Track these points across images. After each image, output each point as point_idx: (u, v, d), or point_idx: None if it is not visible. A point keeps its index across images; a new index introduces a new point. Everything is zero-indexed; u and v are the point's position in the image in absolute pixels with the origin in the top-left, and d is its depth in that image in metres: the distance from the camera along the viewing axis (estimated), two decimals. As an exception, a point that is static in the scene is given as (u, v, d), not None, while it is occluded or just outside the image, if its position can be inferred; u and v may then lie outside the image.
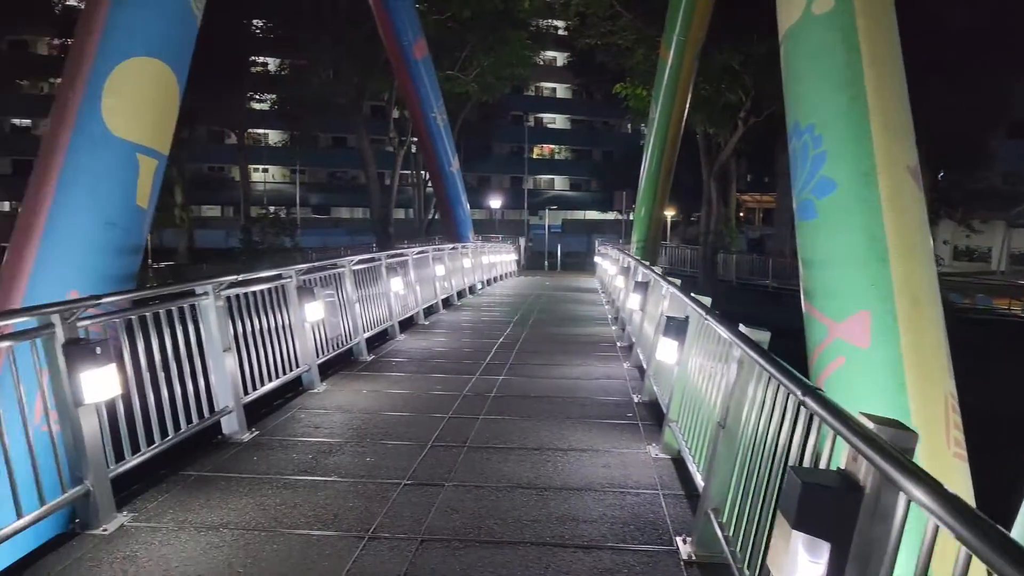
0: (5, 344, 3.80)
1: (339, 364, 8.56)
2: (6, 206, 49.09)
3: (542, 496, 4.55)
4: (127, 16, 6.13)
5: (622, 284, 13.16)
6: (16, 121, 55.02)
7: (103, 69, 5.99)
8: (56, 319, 3.92)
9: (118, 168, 6.15)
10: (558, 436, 5.89)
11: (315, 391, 7.34)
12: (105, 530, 3.92)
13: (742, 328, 3.65)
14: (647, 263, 10.25)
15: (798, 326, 6.53)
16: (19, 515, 3.55)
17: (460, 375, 8.28)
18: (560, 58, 63.70)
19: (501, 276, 24.95)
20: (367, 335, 9.55)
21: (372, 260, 10.51)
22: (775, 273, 28.28)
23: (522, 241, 36.89)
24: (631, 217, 26.85)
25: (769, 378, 3.11)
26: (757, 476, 3.09)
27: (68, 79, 6.09)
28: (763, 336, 3.50)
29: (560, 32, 50.41)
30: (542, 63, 54.04)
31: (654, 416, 6.48)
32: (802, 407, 2.65)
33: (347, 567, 3.56)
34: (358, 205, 59.79)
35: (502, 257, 26.25)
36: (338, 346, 8.52)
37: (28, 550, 3.73)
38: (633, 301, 9.20)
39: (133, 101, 6.20)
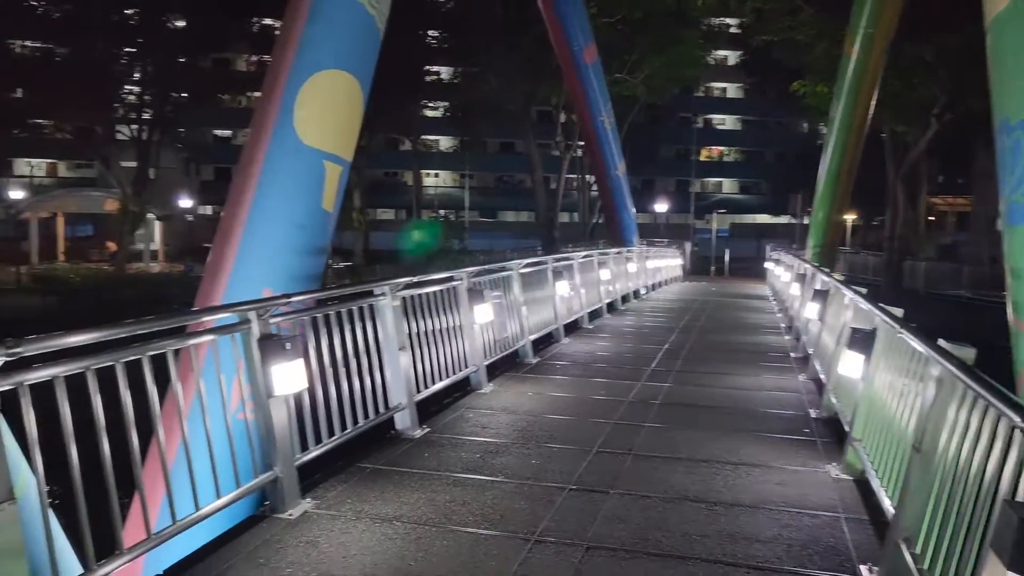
0: (209, 337, 4.15)
1: (505, 366, 8.69)
2: (208, 210, 53.88)
3: (712, 511, 4.38)
4: (318, 31, 6.53)
5: (797, 292, 12.54)
6: (217, 132, 60.34)
7: (296, 82, 6.42)
8: (252, 315, 4.22)
9: (307, 174, 6.56)
10: (728, 449, 5.67)
11: (482, 391, 7.49)
12: (291, 515, 4.17)
13: (942, 343, 3.34)
14: (826, 270, 9.69)
15: (998, 341, 5.93)
16: (218, 495, 3.85)
17: (624, 380, 8.18)
18: (732, 56, 61.76)
19: (666, 281, 24.50)
20: (533, 337, 9.65)
21: (539, 264, 10.62)
22: (971, 282, 25.97)
23: (687, 245, 36.07)
24: (806, 221, 25.55)
25: (975, 399, 2.82)
26: (959, 506, 2.81)
27: (266, 92, 6.58)
28: (967, 353, 3.18)
29: (733, 30, 48.86)
30: (713, 62, 52.57)
31: (833, 433, 6.09)
32: (1018, 433, 2.38)
33: (513, 569, 3.58)
34: (524, 209, 60.76)
35: (667, 262, 25.78)
36: (505, 348, 8.65)
37: (224, 529, 4.04)
38: (810, 310, 8.72)
39: (322, 111, 6.60)
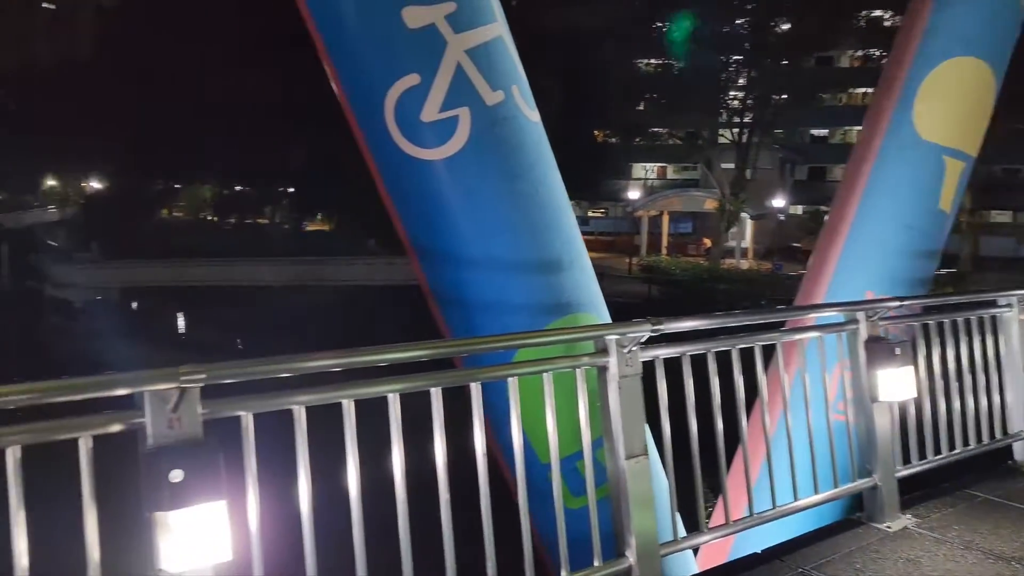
0: (815, 334, 4.21)
1: None
2: (799, 210, 54.10)
3: None
4: (948, 16, 6.01)
5: None
6: (814, 132, 60.08)
7: (919, 73, 6.03)
8: (861, 316, 4.14)
9: (922, 171, 6.12)
10: None
11: None
12: (888, 527, 3.98)
13: None
14: None
15: None
16: (815, 491, 3.90)
17: None
18: None
19: None
20: None
21: None
22: None
23: None
24: None
25: None
26: None
27: (883, 86, 6.33)
28: None
29: None
30: None
31: None
32: None
33: None
34: None
35: None
36: None
37: (814, 526, 4.07)
38: None
39: (945, 102, 6.08)
